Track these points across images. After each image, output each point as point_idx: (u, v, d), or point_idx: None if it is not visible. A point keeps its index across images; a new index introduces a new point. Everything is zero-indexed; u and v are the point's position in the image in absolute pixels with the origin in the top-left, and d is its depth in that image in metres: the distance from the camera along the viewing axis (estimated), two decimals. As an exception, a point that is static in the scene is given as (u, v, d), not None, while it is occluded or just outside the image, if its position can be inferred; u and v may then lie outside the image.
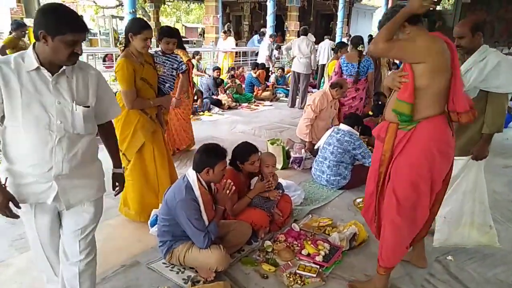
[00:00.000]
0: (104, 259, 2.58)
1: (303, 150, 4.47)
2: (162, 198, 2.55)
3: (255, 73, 9.32)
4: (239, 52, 12.72)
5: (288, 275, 2.44)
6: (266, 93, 9.17)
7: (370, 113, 5.00)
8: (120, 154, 2.68)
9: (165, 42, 3.25)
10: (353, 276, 2.47)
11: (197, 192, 2.38)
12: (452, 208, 2.63)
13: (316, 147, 4.25)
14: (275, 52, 11.24)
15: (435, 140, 2.02)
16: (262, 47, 10.87)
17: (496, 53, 2.47)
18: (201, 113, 7.47)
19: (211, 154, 2.43)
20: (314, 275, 2.43)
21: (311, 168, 4.33)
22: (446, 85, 2.00)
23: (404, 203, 2.08)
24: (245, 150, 2.91)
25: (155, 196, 3.05)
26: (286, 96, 9.25)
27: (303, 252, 2.66)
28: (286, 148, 4.56)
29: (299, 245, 2.80)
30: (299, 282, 2.38)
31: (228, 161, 2.58)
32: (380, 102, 5.44)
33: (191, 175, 2.43)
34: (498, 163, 4.67)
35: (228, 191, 2.53)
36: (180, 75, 3.75)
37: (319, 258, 2.56)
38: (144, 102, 2.87)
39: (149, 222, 2.98)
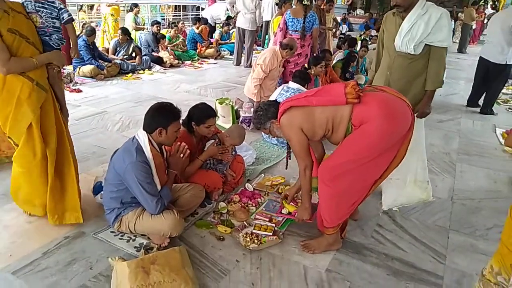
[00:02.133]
0: (43, 231, 2.38)
1: (252, 109, 4.38)
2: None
3: (197, 28, 8.86)
4: (179, 6, 11.98)
5: (244, 235, 2.41)
6: (210, 51, 8.81)
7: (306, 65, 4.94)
8: (6, 138, 2.35)
9: None
10: (308, 232, 2.51)
11: (149, 155, 2.21)
12: (398, 168, 2.73)
13: (265, 105, 4.17)
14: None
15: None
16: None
17: (435, 7, 2.49)
18: (141, 71, 7.01)
19: (164, 113, 2.25)
20: (271, 234, 2.43)
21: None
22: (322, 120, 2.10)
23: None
24: (204, 112, 2.73)
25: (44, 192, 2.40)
26: (231, 54, 8.97)
27: (284, 211, 2.66)
28: (235, 108, 4.44)
29: (253, 204, 2.78)
30: (255, 241, 2.36)
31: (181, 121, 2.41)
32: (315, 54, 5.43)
33: (142, 136, 2.24)
34: (434, 118, 4.97)
35: (182, 155, 2.39)
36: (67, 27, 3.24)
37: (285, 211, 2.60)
38: (24, 62, 2.16)
39: (92, 188, 2.76)
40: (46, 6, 2.59)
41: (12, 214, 2.54)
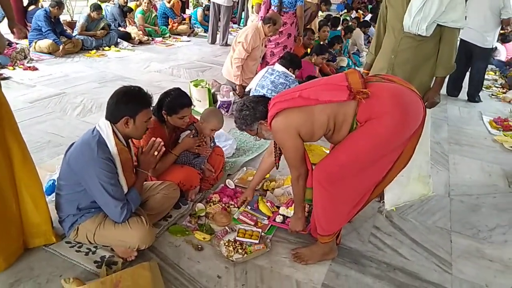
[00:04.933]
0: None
1: (231, 93, 3.98)
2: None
3: (169, 2, 8.21)
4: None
5: (226, 244, 2.07)
6: (182, 27, 8.23)
7: (308, 50, 4.60)
8: None
9: None
10: (299, 238, 2.20)
11: (113, 149, 1.80)
12: None
13: (247, 89, 3.78)
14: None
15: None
16: None
17: None
18: (106, 48, 6.38)
19: (131, 99, 1.83)
20: (257, 241, 2.10)
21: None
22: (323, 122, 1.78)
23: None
24: (177, 100, 2.31)
25: (12, 225, 1.83)
26: (205, 31, 8.42)
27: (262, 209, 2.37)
28: (212, 91, 4.02)
29: (235, 205, 2.44)
30: (239, 251, 2.03)
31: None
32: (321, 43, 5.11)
33: (104, 127, 1.82)
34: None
35: (156, 153, 1.99)
36: None
37: (279, 219, 2.28)
38: None
39: (43, 189, 2.31)
40: None
41: None
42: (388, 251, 2.19)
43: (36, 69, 4.98)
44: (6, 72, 4.70)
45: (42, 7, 6.37)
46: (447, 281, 2.00)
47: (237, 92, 4.08)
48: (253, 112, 1.94)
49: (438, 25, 2.16)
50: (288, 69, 3.52)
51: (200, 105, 3.91)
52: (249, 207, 2.41)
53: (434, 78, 2.34)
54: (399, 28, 2.28)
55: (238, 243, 2.08)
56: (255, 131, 2.00)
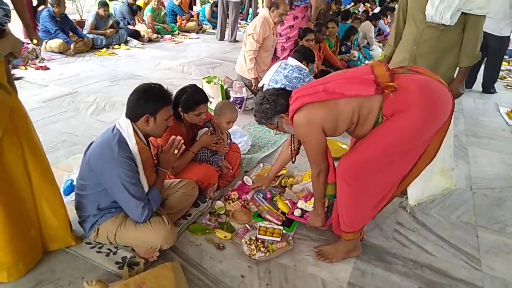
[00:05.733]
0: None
1: (244, 89, 3.93)
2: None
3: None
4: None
5: (248, 242, 2.04)
6: (191, 24, 8.19)
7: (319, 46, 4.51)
8: None
9: None
10: (321, 234, 2.16)
11: (134, 148, 1.77)
12: None
13: (260, 85, 3.72)
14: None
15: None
16: None
17: None
18: (116, 46, 6.37)
19: (152, 97, 1.80)
20: (279, 239, 2.06)
21: (252, 109, 3.87)
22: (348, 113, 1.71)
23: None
24: (193, 97, 2.27)
25: (31, 229, 1.80)
26: (214, 28, 8.37)
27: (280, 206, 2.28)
28: (225, 87, 3.97)
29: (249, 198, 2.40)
30: (262, 249, 1.99)
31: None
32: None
33: (124, 125, 1.79)
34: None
35: (176, 151, 1.96)
36: None
37: (297, 213, 2.24)
38: None
39: (62, 189, 2.30)
40: None
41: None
42: (414, 247, 2.14)
43: (48, 68, 4.98)
44: (18, 72, 4.71)
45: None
46: (477, 278, 1.94)
47: (253, 87, 4.02)
48: (274, 105, 1.90)
49: (462, 13, 2.09)
50: (301, 63, 3.45)
51: (213, 102, 3.86)
52: (261, 195, 2.38)
53: (458, 68, 2.27)
54: (420, 18, 2.21)
55: (259, 241, 2.05)
56: (275, 124, 1.96)
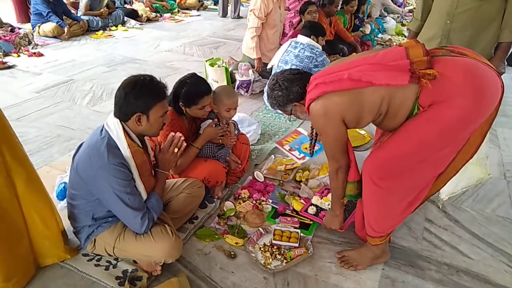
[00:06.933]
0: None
1: (250, 71, 3.65)
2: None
3: (175, -25, 7.74)
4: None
5: (262, 248, 1.83)
6: (191, 1, 7.79)
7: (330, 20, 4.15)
8: None
9: None
10: (343, 236, 1.94)
11: (126, 152, 1.53)
12: None
13: (269, 66, 3.44)
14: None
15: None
16: None
17: None
18: (113, 27, 6.05)
19: (142, 92, 1.53)
20: (296, 245, 1.84)
21: (260, 92, 3.60)
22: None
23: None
24: (195, 90, 2.00)
25: (21, 244, 1.61)
26: (215, 4, 7.96)
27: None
28: (230, 69, 3.69)
29: (266, 201, 2.17)
30: (278, 257, 1.78)
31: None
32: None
33: (113, 126, 1.55)
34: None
35: (176, 149, 1.72)
36: None
37: (311, 211, 2.03)
38: None
39: (55, 193, 2.09)
40: None
41: None
42: (447, 249, 1.91)
43: (42, 55, 4.71)
44: (10, 60, 4.44)
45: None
46: (522, 285, 1.72)
47: (256, 68, 3.73)
48: (287, 93, 1.65)
49: None
50: (310, 37, 3.14)
51: (217, 86, 3.59)
52: (270, 201, 2.16)
53: (497, 44, 1.98)
54: None
55: (275, 247, 1.84)
56: (289, 112, 1.72)
